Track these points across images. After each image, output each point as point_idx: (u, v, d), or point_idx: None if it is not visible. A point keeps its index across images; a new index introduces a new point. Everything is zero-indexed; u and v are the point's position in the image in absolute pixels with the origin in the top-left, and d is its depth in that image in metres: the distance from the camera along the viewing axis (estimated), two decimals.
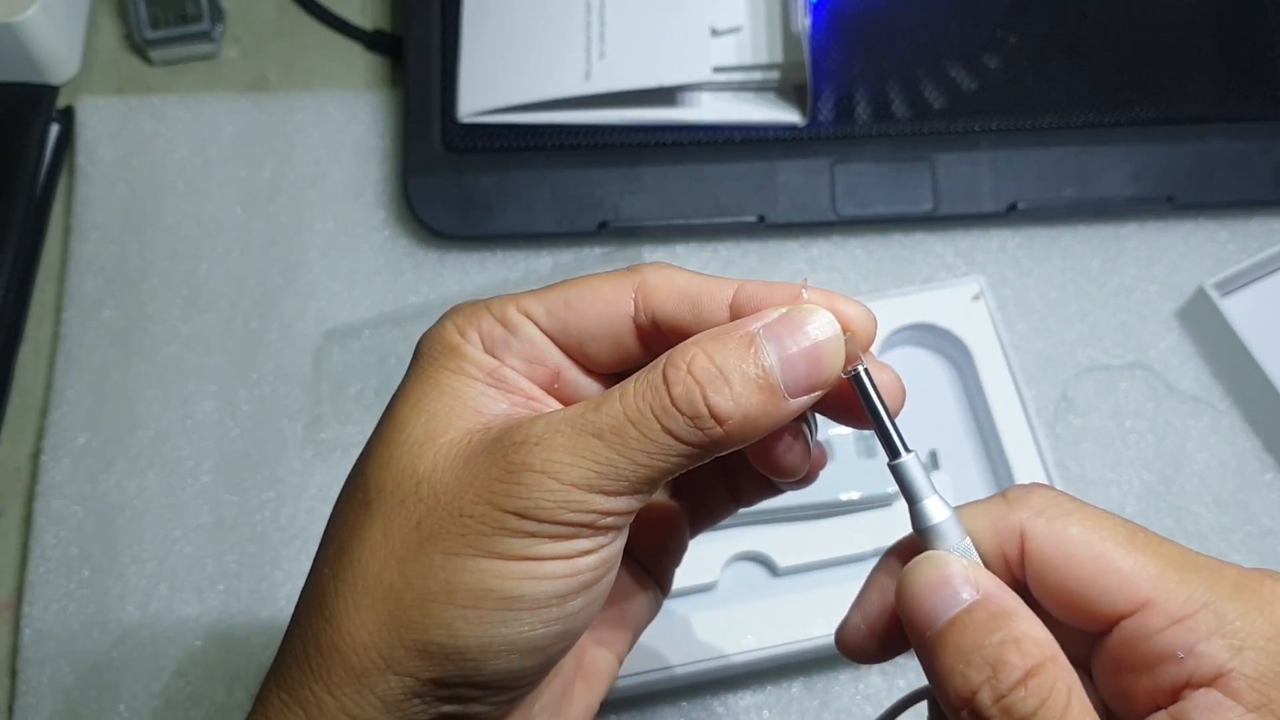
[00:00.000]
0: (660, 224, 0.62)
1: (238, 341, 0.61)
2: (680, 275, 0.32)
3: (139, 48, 0.67)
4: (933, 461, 0.56)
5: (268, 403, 0.60)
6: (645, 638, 0.51)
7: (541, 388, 0.32)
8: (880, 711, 0.48)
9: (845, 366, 0.30)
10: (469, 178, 0.62)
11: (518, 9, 0.64)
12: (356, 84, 0.68)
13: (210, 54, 0.68)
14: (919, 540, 0.30)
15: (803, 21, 0.60)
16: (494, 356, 0.32)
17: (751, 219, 0.62)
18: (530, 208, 0.62)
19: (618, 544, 0.31)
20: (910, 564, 0.29)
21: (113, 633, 0.55)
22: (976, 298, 0.59)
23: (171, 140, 0.65)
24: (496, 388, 0.32)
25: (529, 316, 0.32)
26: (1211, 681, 0.27)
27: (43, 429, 0.59)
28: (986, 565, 0.30)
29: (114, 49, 0.68)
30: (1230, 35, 0.65)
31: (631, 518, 0.30)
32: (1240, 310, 0.60)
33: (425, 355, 0.32)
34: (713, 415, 0.28)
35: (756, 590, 0.54)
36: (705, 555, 0.53)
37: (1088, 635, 0.29)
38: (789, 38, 0.62)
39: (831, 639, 0.50)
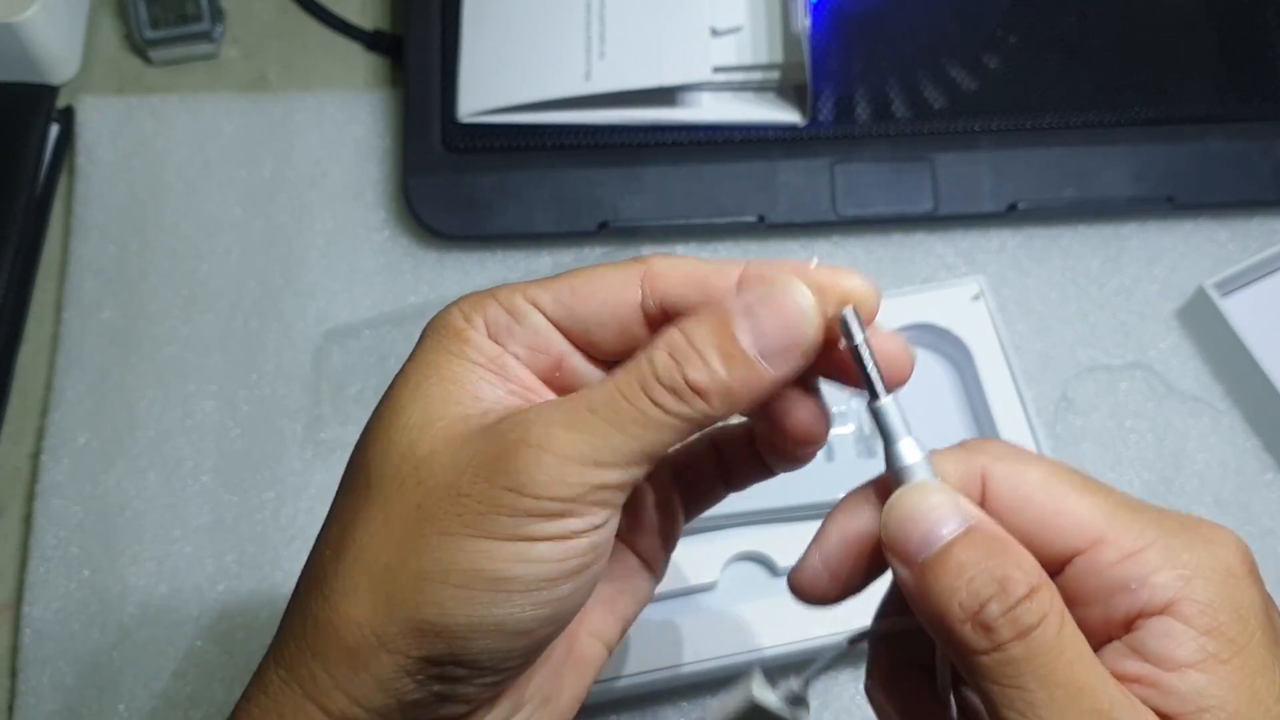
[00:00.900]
0: (660, 224, 0.62)
1: (238, 341, 0.61)
2: (687, 262, 0.33)
3: (139, 48, 0.67)
4: None
5: (268, 403, 0.60)
6: (645, 638, 0.51)
7: (543, 375, 0.33)
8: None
9: (851, 338, 0.31)
10: (469, 178, 0.62)
11: (518, 9, 0.64)
12: (356, 84, 0.68)
13: (210, 54, 0.68)
14: (892, 479, 0.31)
15: (803, 21, 0.60)
16: (498, 343, 0.32)
17: (751, 219, 0.62)
18: (530, 208, 0.62)
19: (609, 528, 0.31)
20: (900, 491, 0.31)
21: (113, 633, 0.55)
22: (976, 298, 0.59)
23: (171, 140, 0.65)
24: (496, 374, 0.32)
25: (536, 305, 0.32)
26: (1163, 610, 0.29)
27: (43, 429, 0.59)
28: None
29: (114, 49, 0.68)
30: (1230, 35, 0.65)
31: (625, 495, 0.31)
32: (1240, 310, 0.60)
33: (429, 338, 0.33)
34: (692, 388, 0.30)
35: (756, 590, 0.54)
36: (705, 555, 0.53)
37: None
38: (789, 38, 0.62)
39: (832, 638, 0.51)
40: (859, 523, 0.32)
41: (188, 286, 0.62)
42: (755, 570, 0.54)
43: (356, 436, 0.61)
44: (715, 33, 0.63)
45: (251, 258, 0.63)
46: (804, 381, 0.33)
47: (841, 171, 0.63)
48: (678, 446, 0.31)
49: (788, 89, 0.64)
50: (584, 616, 0.37)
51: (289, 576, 0.57)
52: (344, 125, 0.66)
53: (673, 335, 0.30)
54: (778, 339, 0.30)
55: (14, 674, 0.55)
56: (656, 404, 0.30)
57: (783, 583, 0.53)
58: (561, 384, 0.33)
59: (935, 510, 0.30)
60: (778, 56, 0.63)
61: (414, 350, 0.33)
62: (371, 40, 0.69)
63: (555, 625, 0.31)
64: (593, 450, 0.29)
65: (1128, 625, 0.29)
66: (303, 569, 0.33)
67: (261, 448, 0.59)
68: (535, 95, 0.62)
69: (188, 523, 0.58)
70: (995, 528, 0.30)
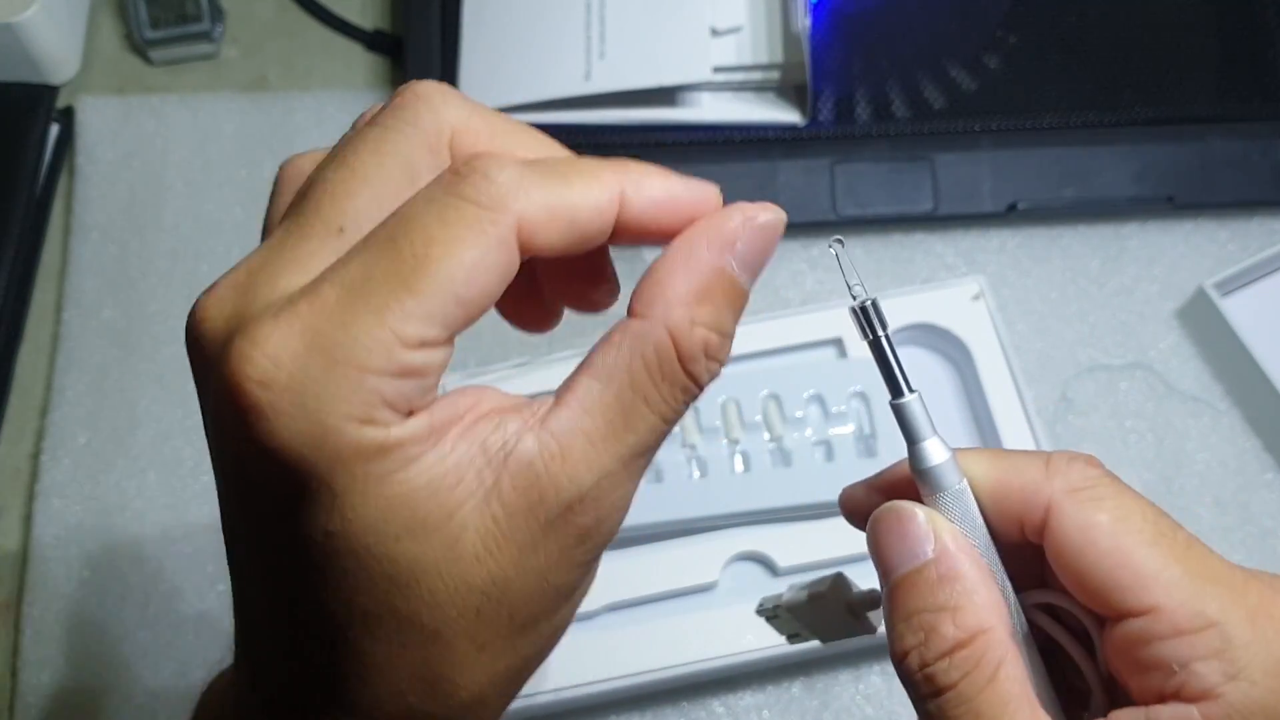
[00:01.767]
0: None
1: None
2: (554, 196, 0.27)
3: (139, 48, 0.67)
4: None
5: None
6: (645, 638, 0.51)
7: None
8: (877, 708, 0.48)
9: (873, 331, 0.29)
10: None
11: (518, 9, 0.64)
12: (356, 84, 0.68)
13: (210, 54, 0.68)
14: (916, 481, 0.30)
15: (803, 21, 0.60)
16: (411, 413, 0.25)
17: None
18: None
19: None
20: (877, 510, 0.29)
21: (113, 632, 0.55)
22: (976, 298, 0.59)
23: (171, 140, 0.65)
24: (441, 444, 0.26)
25: (426, 344, 0.25)
26: (1197, 699, 0.26)
27: (43, 429, 0.59)
28: (991, 522, 0.29)
29: (114, 49, 0.68)
30: (1230, 35, 0.65)
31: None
32: (1240, 310, 0.60)
33: (341, 475, 0.25)
34: (711, 375, 0.28)
35: (756, 590, 0.53)
36: (705, 555, 0.53)
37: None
38: (789, 38, 0.62)
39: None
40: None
41: (188, 286, 0.62)
42: (755, 570, 0.54)
43: None
44: (715, 33, 0.63)
45: None
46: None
47: (841, 171, 0.63)
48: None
49: (788, 89, 0.64)
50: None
51: None
52: (344, 125, 0.65)
53: (702, 336, 0.27)
54: (758, 260, 0.28)
55: (14, 674, 0.55)
56: (669, 419, 0.27)
57: (782, 582, 0.53)
58: None
59: (905, 538, 0.28)
60: (778, 56, 0.63)
61: (324, 496, 0.25)
62: (371, 40, 0.69)
63: None
64: (631, 472, 0.27)
65: (1161, 698, 0.27)
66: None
67: None
68: (535, 95, 0.62)
69: (188, 523, 0.58)
70: (955, 561, 0.28)
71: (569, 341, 0.57)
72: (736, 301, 0.28)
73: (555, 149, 0.30)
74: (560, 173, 0.28)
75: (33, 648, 0.55)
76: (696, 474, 0.54)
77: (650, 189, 0.28)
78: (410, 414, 0.25)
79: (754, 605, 0.53)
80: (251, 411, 0.24)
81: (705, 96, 0.64)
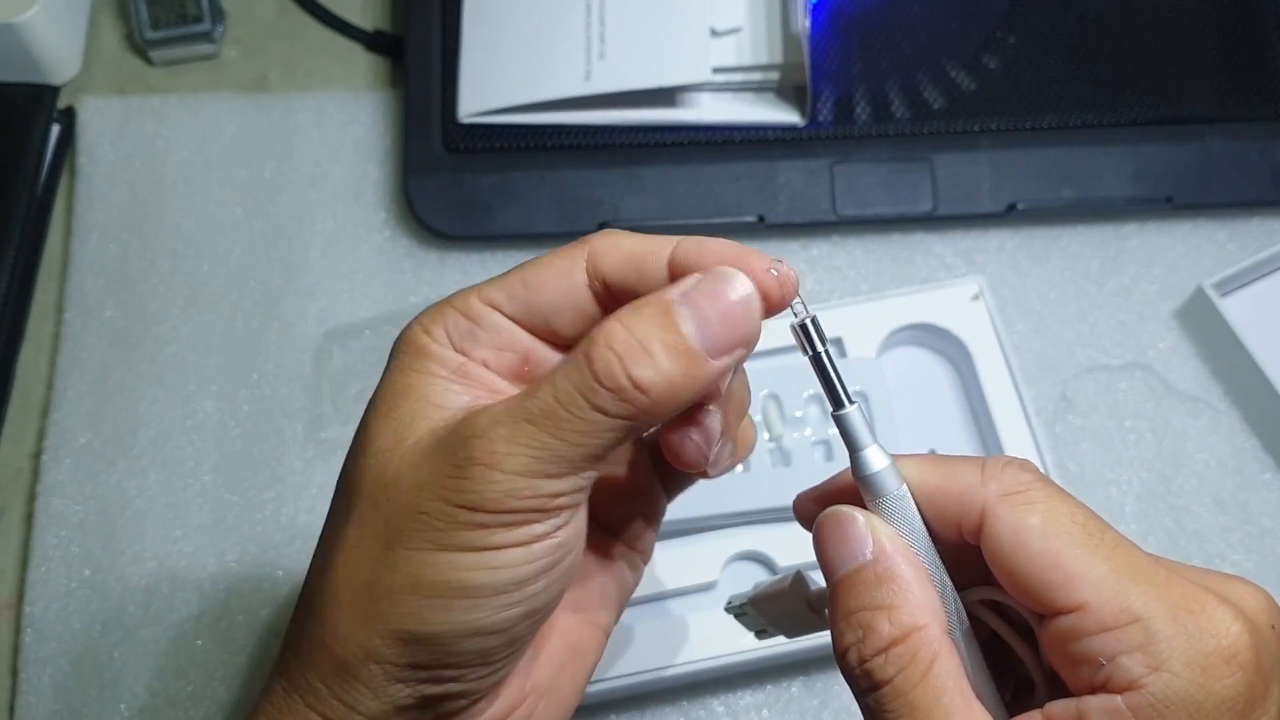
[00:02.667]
0: (660, 224, 0.62)
1: (238, 341, 0.61)
2: (626, 239, 0.33)
3: (140, 48, 0.67)
4: None
5: (268, 403, 0.60)
6: (645, 638, 0.51)
7: (513, 373, 0.33)
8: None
9: (811, 347, 0.31)
10: (469, 178, 0.62)
11: (518, 9, 0.64)
12: (356, 84, 0.68)
13: (211, 54, 0.68)
14: (859, 488, 0.31)
15: (802, 22, 0.60)
16: (462, 351, 0.33)
17: (751, 219, 0.62)
18: (530, 208, 0.62)
19: (575, 524, 0.32)
20: (821, 515, 0.31)
21: (113, 633, 0.55)
22: (976, 298, 0.59)
23: (172, 140, 0.65)
24: (461, 383, 0.33)
25: (492, 305, 0.33)
26: (1123, 689, 0.28)
27: (44, 429, 0.59)
28: (931, 524, 0.31)
29: (115, 49, 0.68)
30: (1230, 35, 0.66)
31: (583, 495, 0.31)
32: (1239, 310, 0.60)
33: (395, 359, 0.34)
34: (636, 386, 0.29)
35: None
36: (705, 555, 0.53)
37: None
38: (789, 38, 0.63)
39: (830, 638, 0.51)
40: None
41: (188, 286, 0.63)
42: (755, 570, 0.54)
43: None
44: (715, 33, 0.63)
45: (252, 258, 0.63)
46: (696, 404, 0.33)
47: (841, 172, 0.63)
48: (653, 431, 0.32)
49: (787, 89, 0.64)
50: (579, 605, 0.37)
51: (290, 576, 0.57)
52: (344, 125, 0.66)
53: (613, 330, 0.30)
54: (722, 332, 0.30)
55: (15, 673, 0.55)
56: (597, 408, 0.30)
57: None
58: (530, 376, 0.34)
59: (845, 540, 0.30)
60: (777, 57, 0.63)
61: (384, 371, 0.34)
62: (372, 40, 0.69)
63: (533, 619, 0.32)
64: (537, 463, 0.30)
65: (1092, 690, 0.29)
66: (301, 589, 0.34)
67: (262, 447, 0.59)
68: (535, 95, 0.62)
69: (189, 522, 0.58)
70: (891, 562, 0.30)
71: None
72: (661, 321, 0.30)
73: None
74: (644, 235, 0.34)
75: (33, 648, 0.55)
76: None
77: (699, 242, 0.32)
78: (459, 352, 0.33)
79: None
80: None
81: (705, 97, 0.64)
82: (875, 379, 0.55)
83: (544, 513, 0.30)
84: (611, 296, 0.33)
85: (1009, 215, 0.63)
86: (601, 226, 0.61)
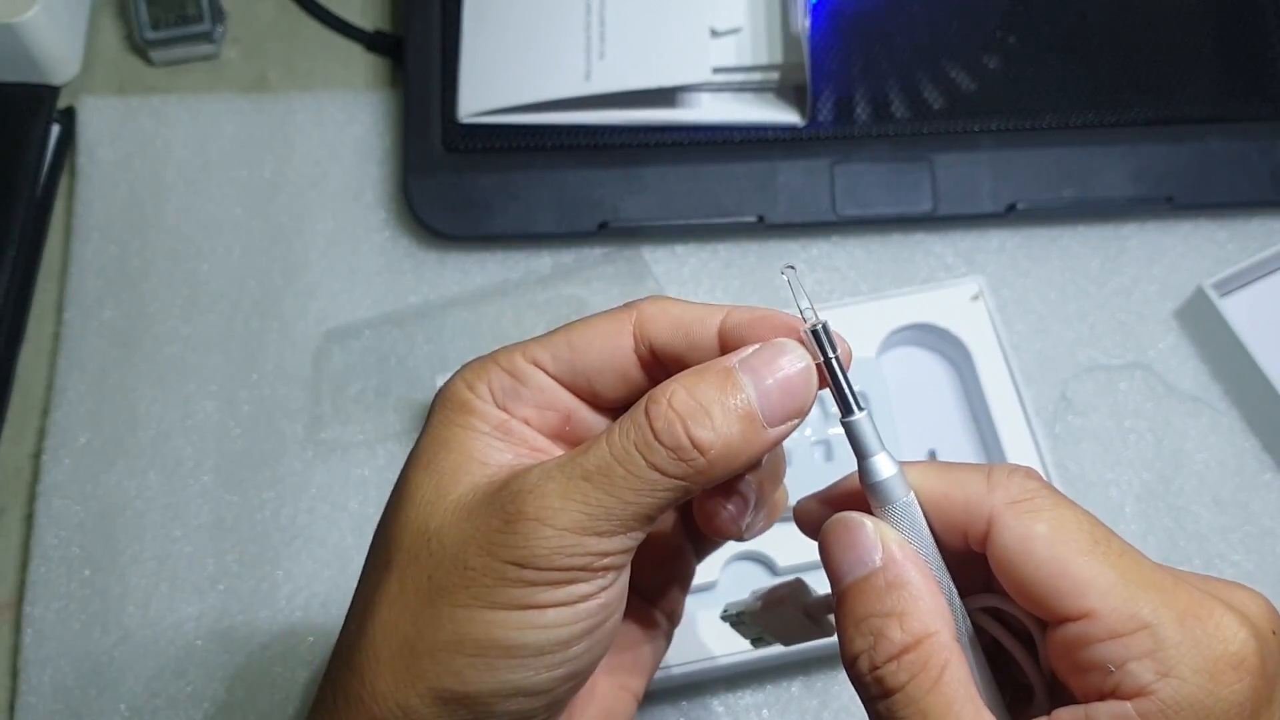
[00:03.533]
0: (660, 224, 0.62)
1: (238, 341, 0.61)
2: (674, 306, 0.33)
3: (140, 48, 0.67)
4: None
5: (268, 403, 0.60)
6: None
7: (554, 432, 0.33)
8: None
9: (823, 353, 0.31)
10: (469, 178, 0.62)
11: (518, 9, 0.64)
12: (356, 84, 0.68)
13: (211, 54, 0.68)
14: (867, 494, 0.31)
15: (802, 22, 0.60)
16: (504, 409, 0.33)
17: (751, 219, 0.62)
18: (530, 208, 0.62)
19: (619, 585, 0.32)
20: (828, 522, 0.31)
21: (113, 633, 0.55)
22: (976, 298, 0.59)
23: (172, 140, 0.65)
24: (503, 439, 0.33)
25: (536, 364, 0.33)
26: (1132, 696, 0.28)
27: (44, 429, 0.59)
28: (937, 531, 0.31)
29: (115, 49, 0.68)
30: (1230, 35, 0.66)
31: (630, 556, 0.31)
32: (1239, 310, 0.60)
33: (438, 413, 0.34)
34: (695, 446, 0.30)
35: (755, 589, 0.54)
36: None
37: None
38: (789, 38, 0.63)
39: (831, 639, 0.51)
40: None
41: (188, 286, 0.63)
42: (755, 570, 0.54)
43: (357, 436, 0.61)
44: (715, 33, 0.63)
45: (252, 258, 0.63)
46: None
47: (841, 172, 0.63)
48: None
49: (787, 89, 0.64)
50: (612, 669, 0.38)
51: (289, 576, 0.57)
52: (344, 125, 0.66)
53: (674, 390, 0.30)
54: (780, 401, 0.31)
55: (15, 674, 0.55)
56: (654, 466, 0.30)
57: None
58: (572, 437, 0.34)
59: (853, 547, 0.30)
60: (777, 57, 0.63)
61: (425, 424, 0.34)
62: (371, 40, 0.69)
63: (574, 681, 0.32)
64: (590, 520, 0.30)
65: (1100, 697, 0.29)
66: (335, 644, 0.34)
67: (262, 448, 0.59)
68: (535, 96, 0.62)
69: (188, 522, 0.58)
70: (901, 569, 0.30)
71: None
72: (723, 385, 0.30)
73: None
74: (693, 302, 0.34)
75: (33, 648, 0.55)
76: None
77: (750, 311, 0.32)
78: (498, 403, 0.33)
79: None
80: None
81: (705, 97, 0.64)
82: (875, 379, 0.55)
83: (591, 572, 0.30)
84: (658, 363, 0.33)
85: (1009, 215, 0.63)
86: (602, 227, 0.62)
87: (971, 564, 0.31)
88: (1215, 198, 0.63)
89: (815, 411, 0.55)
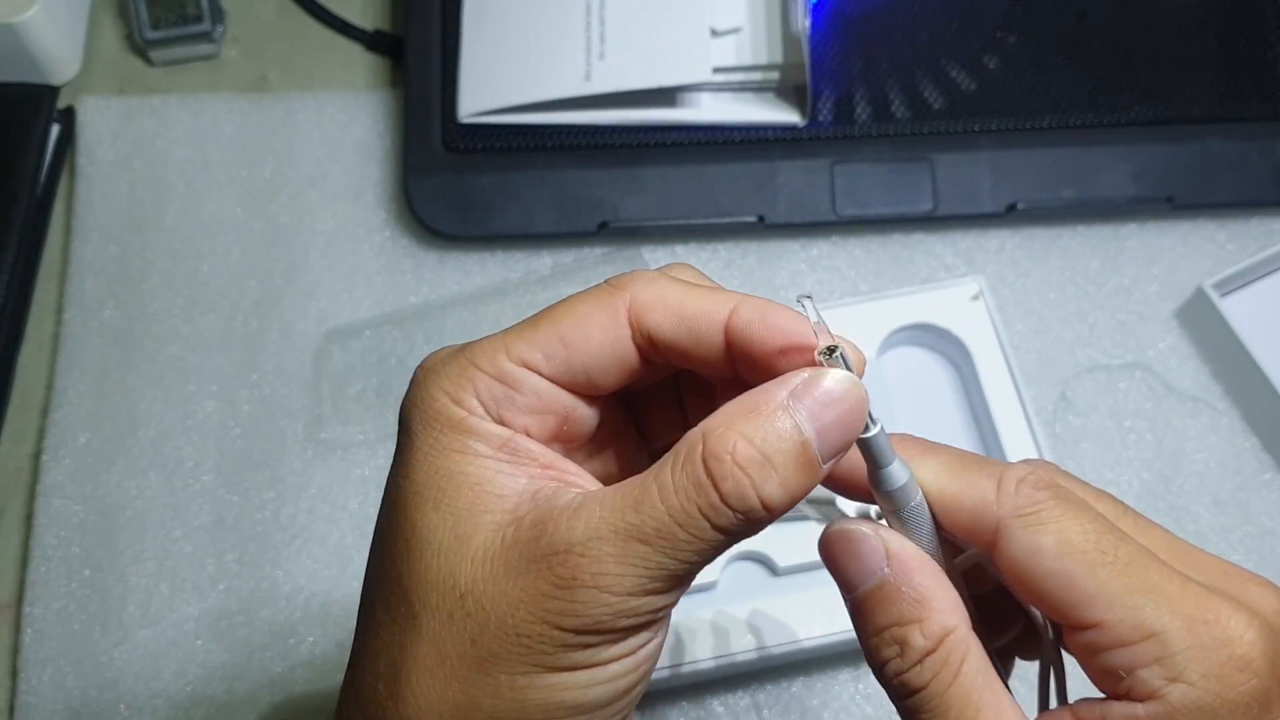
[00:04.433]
0: (660, 224, 0.62)
1: (238, 341, 0.61)
2: (671, 291, 0.31)
3: (140, 48, 0.67)
4: None
5: (268, 403, 0.60)
6: None
7: (551, 436, 0.32)
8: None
9: (822, 350, 0.31)
10: (469, 178, 0.62)
11: (518, 9, 0.64)
12: (356, 84, 0.68)
13: (211, 54, 0.68)
14: (879, 500, 0.31)
15: (802, 22, 0.60)
16: (501, 421, 0.31)
17: (751, 219, 0.62)
18: (530, 208, 0.62)
19: (669, 620, 0.31)
20: (826, 532, 0.32)
21: (113, 633, 0.55)
22: (976, 298, 0.59)
23: (172, 140, 0.65)
24: (509, 461, 0.30)
25: (528, 366, 0.31)
26: (1144, 700, 0.29)
27: (44, 429, 0.59)
28: (943, 529, 0.32)
29: (115, 49, 0.68)
30: (1230, 35, 0.66)
31: (681, 594, 0.31)
32: (1239, 310, 0.60)
33: (424, 434, 0.30)
34: (764, 505, 0.28)
35: (756, 590, 0.54)
36: None
37: None
38: (789, 38, 0.63)
39: (831, 639, 0.51)
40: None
41: (189, 286, 0.63)
42: (755, 570, 0.54)
43: (357, 436, 0.61)
44: (715, 33, 0.63)
45: (252, 258, 0.63)
46: None
47: (841, 172, 0.63)
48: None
49: (787, 89, 0.64)
50: None
51: (289, 576, 0.57)
52: (344, 125, 0.66)
53: (737, 443, 0.28)
54: (838, 436, 0.29)
55: (14, 674, 0.55)
56: (719, 529, 0.28)
57: (783, 583, 0.54)
58: (569, 436, 0.32)
59: (859, 558, 0.31)
60: (777, 57, 0.63)
61: (409, 446, 0.31)
62: (371, 40, 0.69)
63: (629, 717, 0.32)
64: (651, 582, 0.29)
65: (1116, 696, 0.30)
66: (343, 701, 0.32)
67: (262, 447, 0.59)
68: (535, 95, 0.62)
69: (188, 522, 0.58)
70: (911, 577, 0.30)
71: None
72: (785, 432, 0.29)
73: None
74: (691, 284, 0.32)
75: (33, 648, 0.55)
76: None
77: (760, 307, 0.31)
78: (499, 422, 0.30)
79: (754, 605, 0.53)
80: (410, 384, 0.32)
81: (705, 97, 0.64)
82: (875, 379, 0.55)
83: (652, 625, 0.30)
84: (654, 348, 0.31)
85: (1009, 215, 0.63)
86: (602, 226, 0.62)
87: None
88: (1215, 198, 0.63)
89: None
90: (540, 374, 0.31)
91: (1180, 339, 0.62)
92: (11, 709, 0.54)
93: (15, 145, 0.63)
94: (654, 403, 0.35)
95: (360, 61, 0.69)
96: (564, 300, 0.31)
